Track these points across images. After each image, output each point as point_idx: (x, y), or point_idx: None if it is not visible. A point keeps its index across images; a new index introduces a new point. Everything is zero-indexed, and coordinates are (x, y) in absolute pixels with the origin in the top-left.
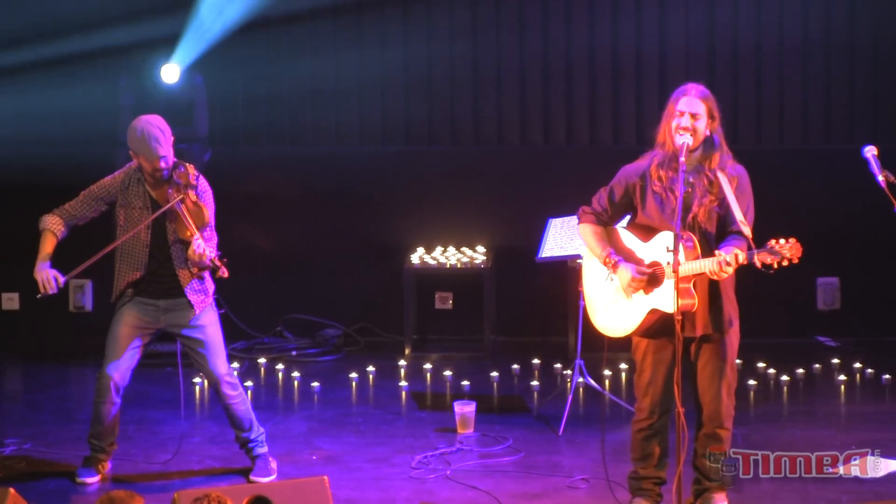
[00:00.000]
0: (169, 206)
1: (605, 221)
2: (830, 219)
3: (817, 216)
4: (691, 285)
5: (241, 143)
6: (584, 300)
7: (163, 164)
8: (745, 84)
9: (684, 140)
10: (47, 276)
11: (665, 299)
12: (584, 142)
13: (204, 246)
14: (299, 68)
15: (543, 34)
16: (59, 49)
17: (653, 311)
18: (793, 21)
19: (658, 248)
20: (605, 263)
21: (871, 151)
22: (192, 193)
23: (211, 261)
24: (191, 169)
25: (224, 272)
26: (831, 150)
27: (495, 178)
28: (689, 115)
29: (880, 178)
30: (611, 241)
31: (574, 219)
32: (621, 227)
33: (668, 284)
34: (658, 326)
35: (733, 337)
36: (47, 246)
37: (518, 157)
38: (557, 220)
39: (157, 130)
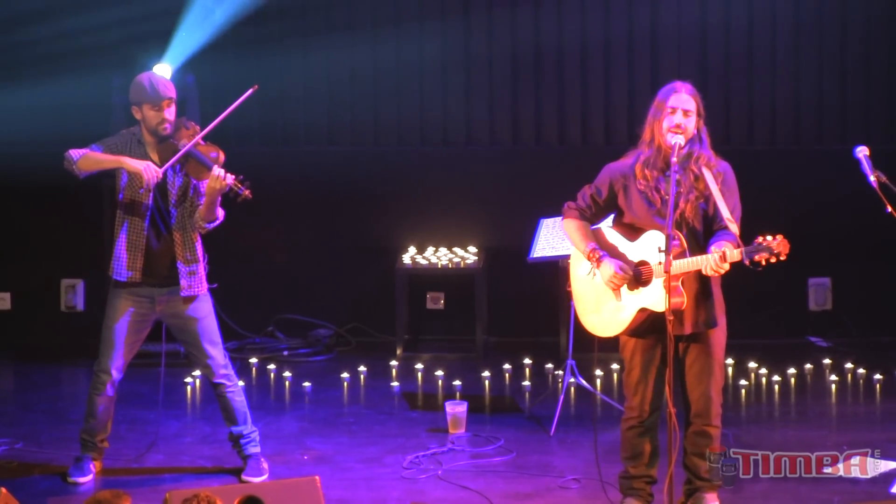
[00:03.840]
0: (186, 147)
1: (589, 218)
2: (822, 219)
3: (809, 216)
4: (679, 283)
5: (233, 144)
6: (573, 300)
7: (168, 115)
8: (737, 85)
9: (676, 140)
10: (152, 167)
11: (654, 298)
12: (576, 142)
13: (223, 172)
14: (290, 68)
15: (535, 35)
16: (51, 48)
17: (642, 311)
18: (785, 23)
19: (646, 247)
20: (588, 258)
21: (862, 152)
22: (201, 140)
23: (231, 186)
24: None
25: (247, 194)
26: (823, 150)
27: (487, 178)
28: (682, 112)
29: (872, 178)
30: (596, 239)
31: None
32: (607, 226)
33: (657, 283)
34: (647, 325)
35: (720, 334)
36: (109, 155)
37: (510, 157)
38: (549, 220)
39: (162, 78)
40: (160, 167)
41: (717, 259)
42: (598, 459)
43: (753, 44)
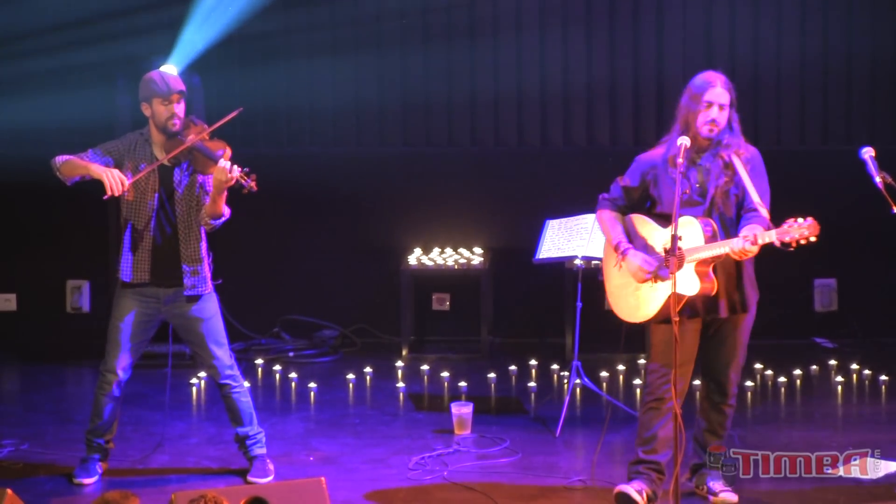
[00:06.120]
0: (191, 141)
1: (622, 209)
2: (827, 220)
3: (815, 218)
4: (711, 269)
5: (238, 145)
6: (605, 289)
7: (177, 110)
8: (742, 87)
9: (683, 142)
10: (116, 174)
11: (684, 283)
12: (582, 144)
13: (229, 164)
14: (296, 69)
15: (540, 36)
16: (56, 49)
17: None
18: (791, 25)
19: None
20: (615, 250)
21: (868, 153)
22: (207, 136)
23: (237, 178)
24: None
25: (252, 185)
26: (829, 151)
27: (492, 179)
28: (718, 107)
29: (878, 179)
30: (628, 227)
31: (571, 220)
32: (641, 214)
33: (688, 268)
34: (681, 308)
35: (750, 319)
36: (82, 161)
37: (515, 158)
38: (554, 221)
39: (171, 74)
40: (168, 164)
41: (749, 242)
42: (603, 461)
43: (759, 45)
